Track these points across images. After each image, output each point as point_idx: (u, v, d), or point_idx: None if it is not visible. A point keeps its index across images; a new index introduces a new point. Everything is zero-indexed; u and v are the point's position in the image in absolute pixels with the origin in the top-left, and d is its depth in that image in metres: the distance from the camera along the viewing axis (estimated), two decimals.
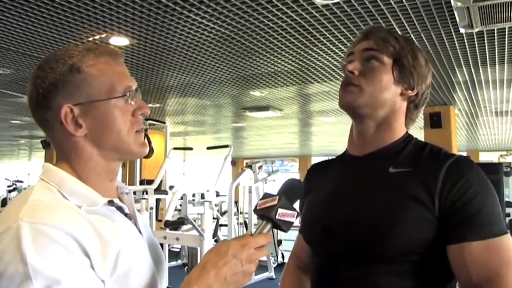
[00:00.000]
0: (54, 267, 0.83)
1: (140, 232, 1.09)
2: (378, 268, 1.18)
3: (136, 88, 1.07)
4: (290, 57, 5.01)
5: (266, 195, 1.09)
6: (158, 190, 7.03)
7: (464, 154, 15.54)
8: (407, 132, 1.36)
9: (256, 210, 1.08)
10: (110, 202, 1.03)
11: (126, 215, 1.08)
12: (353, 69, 1.29)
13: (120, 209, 1.07)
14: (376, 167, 1.28)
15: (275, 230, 7.24)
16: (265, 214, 1.05)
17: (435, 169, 1.17)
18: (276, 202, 1.05)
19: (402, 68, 1.28)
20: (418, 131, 10.21)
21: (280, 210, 1.04)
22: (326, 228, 1.29)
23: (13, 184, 13.18)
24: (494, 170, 5.07)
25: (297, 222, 1.11)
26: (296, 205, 1.11)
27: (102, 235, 0.94)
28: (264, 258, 8.24)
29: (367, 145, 1.33)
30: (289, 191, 1.11)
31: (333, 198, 1.33)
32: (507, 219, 4.82)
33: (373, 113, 1.29)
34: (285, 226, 1.05)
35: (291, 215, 1.05)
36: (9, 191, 12.69)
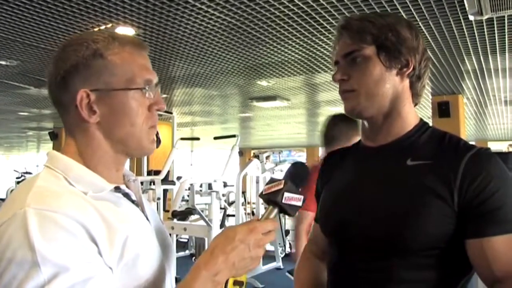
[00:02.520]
0: (62, 253, 0.83)
1: (147, 219, 1.08)
2: (395, 261, 1.17)
3: (157, 83, 1.06)
4: (297, 46, 4.98)
5: (272, 180, 1.08)
6: (165, 181, 7.04)
7: (473, 144, 15.38)
8: (421, 120, 1.32)
9: (262, 195, 1.07)
10: (117, 189, 1.02)
11: (133, 202, 1.07)
12: (342, 76, 1.27)
13: (127, 195, 1.06)
14: (393, 159, 1.25)
15: (282, 221, 7.25)
16: (271, 198, 1.05)
17: (455, 163, 1.14)
18: (282, 186, 1.04)
19: (387, 51, 1.22)
20: (426, 121, 10.16)
21: (286, 194, 1.03)
22: (344, 221, 1.28)
23: (21, 175, 13.25)
24: (503, 160, 5.02)
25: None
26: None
27: (109, 221, 0.93)
28: (271, 248, 8.26)
29: (380, 136, 1.30)
30: (294, 175, 1.11)
31: (350, 191, 1.31)
32: None
33: (379, 109, 1.26)
34: (291, 210, 1.04)
35: (297, 199, 1.05)
36: (18, 183, 12.75)
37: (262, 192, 1.08)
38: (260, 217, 1.05)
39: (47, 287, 0.80)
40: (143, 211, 1.09)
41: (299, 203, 1.05)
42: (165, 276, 1.05)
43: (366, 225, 1.22)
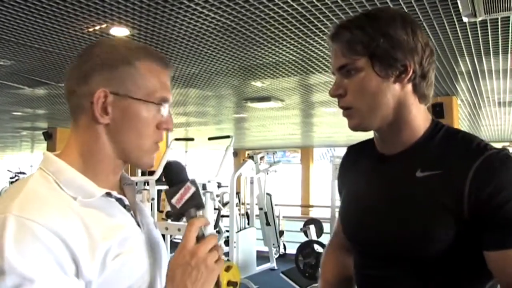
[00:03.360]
0: (30, 265, 0.83)
1: (139, 224, 1.08)
2: (406, 270, 1.17)
3: (170, 103, 1.07)
4: (291, 47, 4.99)
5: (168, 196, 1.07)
6: (159, 181, 7.03)
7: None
8: (433, 121, 1.25)
9: (171, 218, 1.06)
10: (108, 194, 1.02)
11: (125, 206, 1.07)
12: (335, 91, 1.21)
13: (119, 200, 1.06)
14: (404, 170, 1.20)
15: (276, 221, 7.23)
16: (173, 212, 1.05)
17: (464, 169, 1.09)
18: (169, 199, 1.05)
19: (381, 60, 1.14)
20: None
21: (172, 201, 1.04)
22: (359, 230, 1.29)
23: (15, 175, 13.23)
24: None
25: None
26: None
27: (92, 232, 0.92)
28: (266, 249, 8.26)
29: (390, 146, 1.25)
30: (169, 181, 1.09)
31: (365, 199, 1.29)
32: None
33: (383, 120, 1.20)
34: (193, 201, 1.04)
35: (185, 192, 1.04)
36: (12, 183, 12.72)
37: (170, 216, 1.06)
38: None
39: None
40: (135, 216, 1.09)
41: (191, 191, 1.04)
42: (153, 285, 1.05)
43: (378, 236, 1.22)
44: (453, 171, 1.11)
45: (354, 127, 1.22)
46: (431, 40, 4.23)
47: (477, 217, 1.07)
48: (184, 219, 1.05)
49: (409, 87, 1.18)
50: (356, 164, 1.40)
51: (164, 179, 1.12)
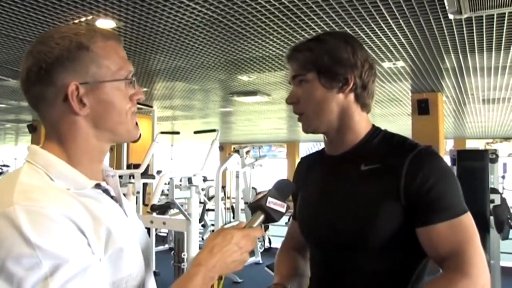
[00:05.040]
0: (60, 245, 0.83)
1: (126, 214, 1.09)
2: (361, 255, 1.33)
3: (133, 74, 1.08)
4: (278, 41, 4.99)
5: (260, 192, 1.17)
6: (145, 174, 7.00)
7: (451, 141, 15.65)
8: (373, 126, 1.45)
9: (249, 204, 1.19)
10: (97, 186, 1.03)
11: (112, 197, 1.08)
12: (291, 100, 1.43)
13: (106, 191, 1.07)
14: (350, 166, 1.40)
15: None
16: (256, 203, 1.15)
17: (400, 163, 1.29)
18: (266, 193, 1.15)
19: (325, 73, 1.36)
20: (405, 118, 10.25)
21: (270, 199, 1.14)
22: (315, 227, 1.46)
23: None
24: (479, 157, 5.10)
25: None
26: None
27: (94, 215, 0.94)
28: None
29: (338, 147, 1.45)
30: (279, 187, 1.20)
31: (319, 200, 1.46)
32: (491, 205, 4.86)
33: (329, 125, 1.41)
34: (276, 215, 1.14)
35: (281, 205, 1.15)
36: None
37: (250, 202, 1.16)
38: (245, 223, 1.14)
39: (50, 279, 0.81)
40: (121, 206, 1.10)
41: (283, 210, 1.16)
42: (146, 271, 1.07)
43: (332, 229, 1.39)
44: (391, 164, 1.31)
45: (305, 130, 1.44)
46: (417, 37, 4.24)
47: (411, 202, 1.27)
48: (251, 214, 1.16)
49: (352, 96, 1.39)
50: (308, 171, 1.59)
51: (276, 183, 1.22)
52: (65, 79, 0.97)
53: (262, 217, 1.14)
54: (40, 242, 0.81)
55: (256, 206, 1.14)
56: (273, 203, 1.14)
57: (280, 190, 1.18)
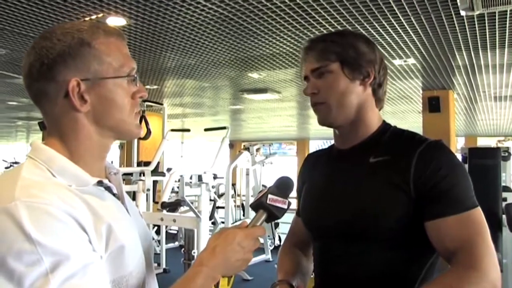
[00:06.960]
0: (61, 242, 0.83)
1: (128, 212, 1.10)
2: (368, 246, 1.34)
3: (136, 71, 1.07)
4: (289, 38, 4.97)
5: (261, 190, 1.17)
6: (155, 172, 7.02)
7: (462, 139, 15.53)
8: (383, 122, 1.49)
9: (251, 204, 1.18)
10: (100, 183, 1.02)
11: (114, 195, 1.08)
12: (312, 90, 1.44)
13: (108, 189, 1.06)
14: (359, 158, 1.42)
15: None
16: (257, 202, 1.16)
17: (409, 156, 1.31)
18: (266, 191, 1.16)
19: (350, 65, 1.39)
20: (416, 115, 10.20)
21: (270, 196, 1.14)
22: (321, 217, 1.47)
23: (10, 165, 13.18)
24: (491, 155, 5.07)
25: (293, 205, 1.22)
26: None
27: (96, 212, 0.94)
28: (261, 240, 8.27)
29: (348, 140, 1.47)
30: (279, 184, 1.21)
31: (325, 188, 1.49)
32: (504, 203, 4.82)
33: (346, 118, 1.43)
34: (277, 211, 1.15)
35: (282, 201, 1.15)
36: None
37: (252, 203, 1.18)
38: (249, 222, 1.14)
39: (50, 276, 0.81)
40: (123, 204, 1.10)
41: (284, 206, 1.16)
42: (147, 269, 1.07)
43: (338, 219, 1.39)
44: (400, 157, 1.33)
45: (323, 120, 1.46)
46: (429, 34, 4.23)
47: (420, 194, 1.28)
48: (254, 212, 1.16)
49: (369, 91, 1.44)
50: (314, 165, 1.62)
51: (277, 181, 1.22)
52: (66, 75, 0.97)
53: (264, 215, 1.14)
54: (41, 239, 0.81)
55: (257, 204, 1.15)
56: (273, 200, 1.14)
57: (281, 187, 1.19)
